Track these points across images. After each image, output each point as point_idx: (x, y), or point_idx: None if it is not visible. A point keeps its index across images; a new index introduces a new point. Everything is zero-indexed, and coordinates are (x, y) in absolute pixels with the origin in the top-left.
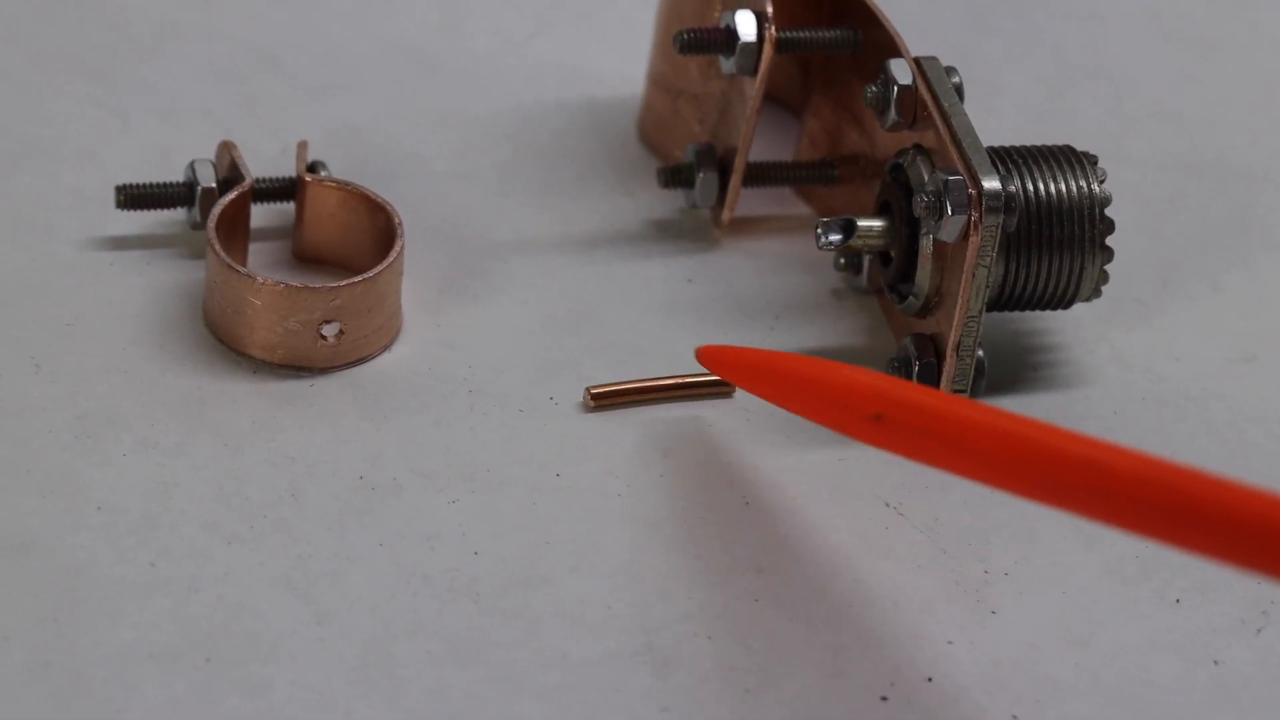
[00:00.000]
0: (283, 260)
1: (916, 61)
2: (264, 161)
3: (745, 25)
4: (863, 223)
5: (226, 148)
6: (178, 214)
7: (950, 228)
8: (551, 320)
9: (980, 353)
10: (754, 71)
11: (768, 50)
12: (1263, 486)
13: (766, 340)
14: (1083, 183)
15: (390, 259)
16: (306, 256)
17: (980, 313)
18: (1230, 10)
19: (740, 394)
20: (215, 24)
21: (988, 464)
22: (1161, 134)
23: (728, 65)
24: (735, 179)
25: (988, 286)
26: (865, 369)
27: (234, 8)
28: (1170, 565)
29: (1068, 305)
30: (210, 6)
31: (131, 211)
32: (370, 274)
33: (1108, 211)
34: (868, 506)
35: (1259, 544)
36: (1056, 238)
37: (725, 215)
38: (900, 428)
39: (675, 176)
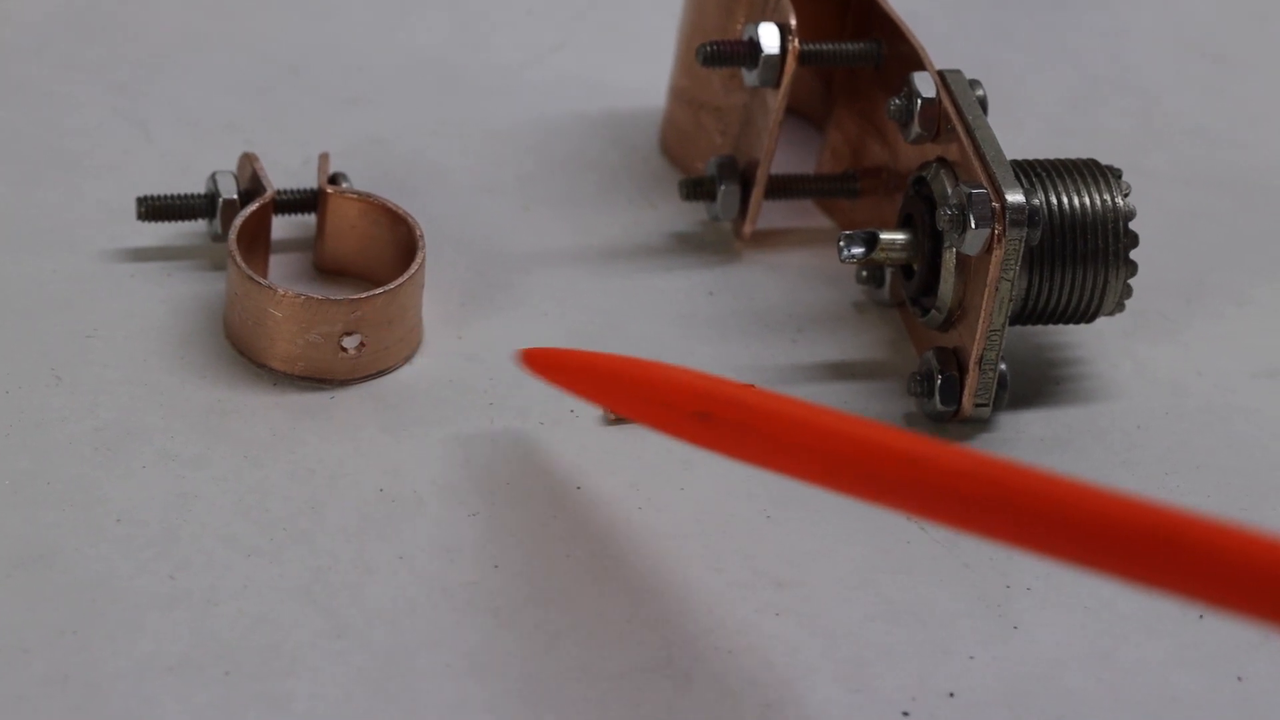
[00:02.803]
0: (304, 272)
1: (940, 74)
2: (285, 173)
3: (768, 38)
4: (885, 236)
5: (248, 159)
6: (199, 226)
7: (973, 241)
8: (572, 332)
9: (1003, 367)
10: (776, 84)
11: (790, 63)
12: (1088, 481)
13: (789, 354)
14: (1107, 196)
15: (411, 271)
16: (327, 268)
17: (1003, 326)
18: (1256, 24)
19: None
20: (237, 36)
21: (814, 462)
22: (1187, 148)
23: (750, 78)
24: (757, 191)
25: (1011, 300)
26: (693, 370)
27: (256, 20)
28: None
29: (1091, 319)
30: (233, 19)
31: (153, 223)
32: (391, 286)
33: (1132, 225)
34: (889, 520)
35: (1089, 540)
36: (1080, 251)
37: (747, 228)
38: (724, 425)
39: (697, 189)
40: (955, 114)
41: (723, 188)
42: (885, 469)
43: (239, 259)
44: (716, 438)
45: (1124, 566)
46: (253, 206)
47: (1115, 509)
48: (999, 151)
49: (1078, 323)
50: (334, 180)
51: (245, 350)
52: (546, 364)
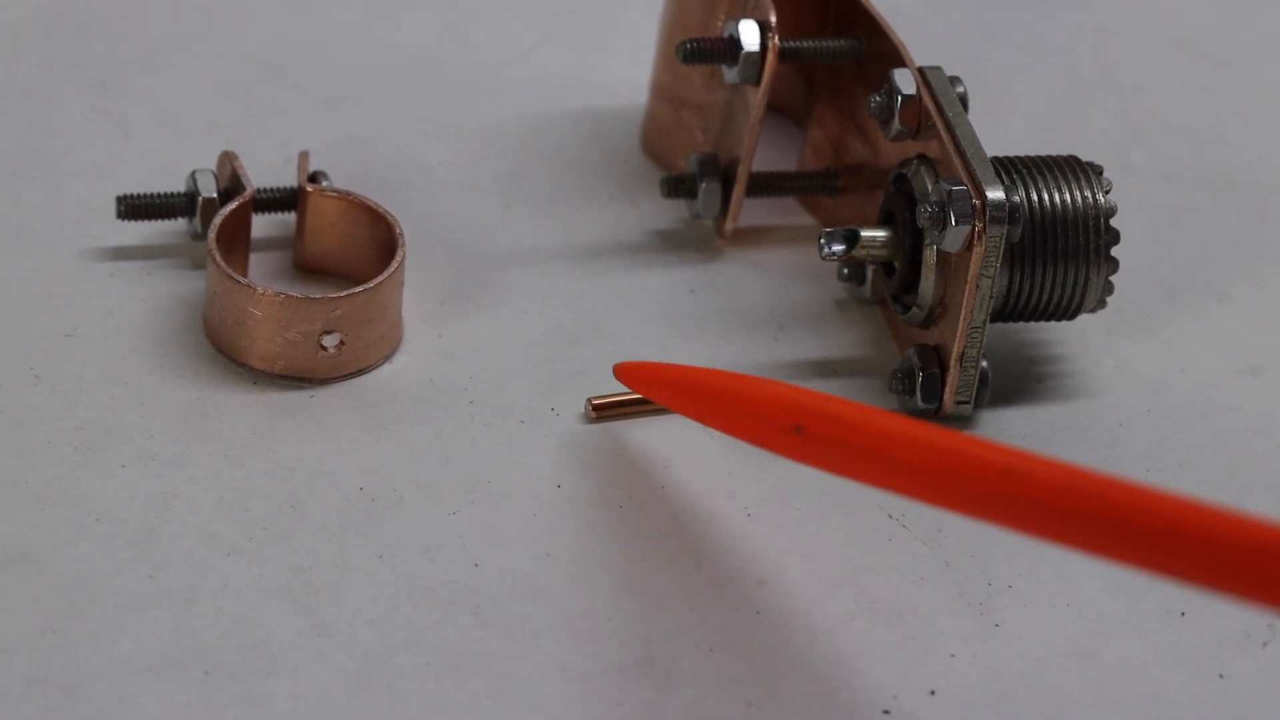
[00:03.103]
0: (284, 271)
1: (920, 71)
2: (266, 172)
3: (749, 35)
4: (866, 233)
5: (228, 158)
6: (179, 224)
7: (954, 238)
8: (553, 331)
9: (984, 364)
10: (757, 81)
11: (771, 60)
12: (1190, 496)
13: (771, 351)
14: (1088, 193)
15: (391, 269)
16: (307, 267)
17: (984, 324)
18: (1239, 22)
19: None
20: (218, 34)
21: (909, 476)
22: (1169, 145)
23: (731, 75)
24: (738, 189)
25: (991, 297)
26: (784, 383)
27: (236, 19)
28: None
29: (1072, 316)
30: (213, 17)
31: (132, 222)
32: (371, 284)
33: (1113, 222)
34: (871, 518)
35: (1185, 552)
36: (1061, 248)
37: (728, 225)
38: (819, 440)
39: (678, 186)
40: (936, 111)
41: (704, 185)
42: (980, 483)
43: (218, 258)
44: (811, 452)
45: (1229, 582)
46: (232, 205)
47: (1218, 523)
48: (979, 148)
49: (1059, 320)
50: (314, 179)
51: (225, 349)
52: (640, 378)
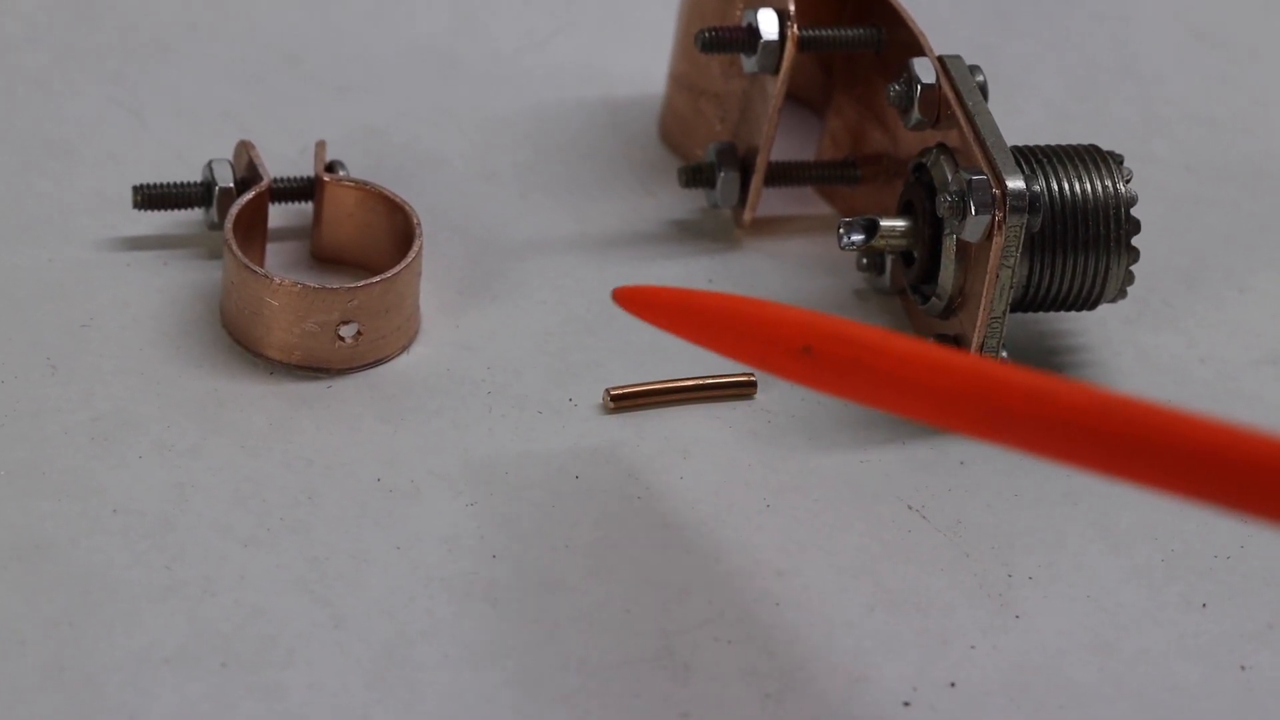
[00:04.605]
0: (300, 260)
1: (940, 60)
2: (282, 161)
3: (767, 23)
4: (885, 223)
5: (244, 147)
6: (195, 214)
7: (974, 228)
8: (571, 321)
9: (1004, 354)
10: (776, 70)
11: (790, 49)
12: (1214, 416)
13: None
14: (1108, 182)
15: (408, 259)
16: (324, 257)
17: (1004, 314)
18: (1260, 11)
19: (761, 395)
20: (234, 24)
21: (924, 396)
22: (1189, 134)
23: (749, 64)
24: (757, 178)
25: (1011, 287)
26: (790, 305)
27: (252, 8)
28: (1197, 570)
29: (1093, 306)
30: (228, 6)
31: (149, 212)
32: (388, 274)
33: (1133, 212)
34: (889, 509)
35: (1211, 473)
36: (1081, 238)
37: (747, 215)
38: (830, 360)
39: (696, 176)
40: (955, 100)
41: (722, 175)
42: (1003, 403)
43: (235, 248)
44: (820, 374)
45: (1258, 503)
46: (249, 195)
47: (1246, 443)
48: (999, 137)
49: (1079, 310)
50: (331, 168)
51: (242, 339)
52: (642, 302)
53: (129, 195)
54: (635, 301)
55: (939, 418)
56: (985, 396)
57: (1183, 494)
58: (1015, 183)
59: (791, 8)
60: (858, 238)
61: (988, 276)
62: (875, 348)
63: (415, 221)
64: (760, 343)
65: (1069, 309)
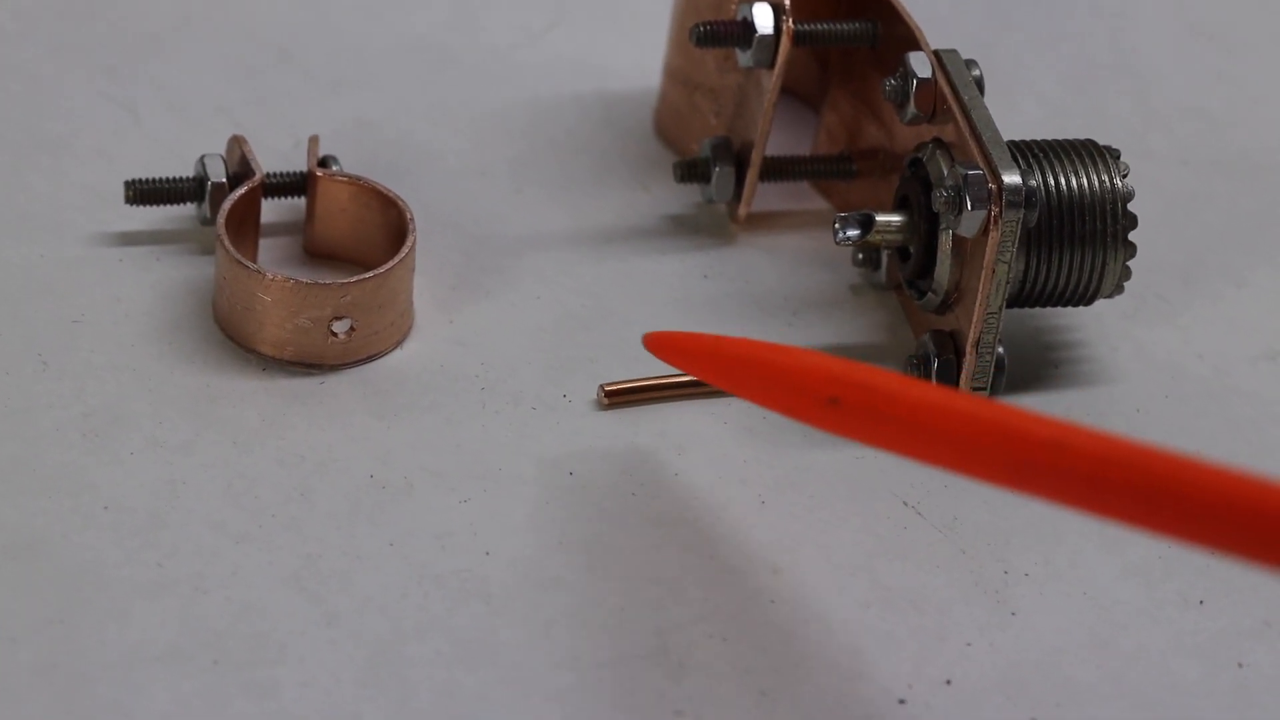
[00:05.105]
0: (293, 256)
1: (936, 54)
2: (275, 156)
3: (762, 18)
4: (881, 218)
5: (237, 142)
6: (187, 209)
7: (970, 223)
8: (565, 317)
9: (1000, 350)
10: (771, 64)
11: (785, 43)
12: (1230, 465)
13: (785, 337)
14: (1105, 177)
15: (402, 255)
16: (317, 252)
17: (1000, 309)
18: (1256, 6)
19: None
20: (227, 18)
21: (948, 446)
22: (1186, 129)
23: (745, 58)
24: (752, 173)
25: (1008, 282)
26: (818, 352)
27: (245, 2)
28: (1194, 567)
29: (1089, 302)
30: (221, 1)
31: (141, 207)
32: (382, 270)
33: (1130, 207)
34: (885, 505)
35: (1235, 525)
36: (1078, 233)
37: (742, 210)
38: (856, 411)
39: (691, 171)
40: (951, 94)
41: (717, 170)
42: (1023, 455)
43: (228, 243)
44: (848, 425)
45: (1276, 554)
46: (241, 190)
47: (1265, 494)
48: (995, 132)
49: (1076, 305)
50: (324, 163)
51: (234, 335)
52: (672, 348)
53: (121, 190)
54: (665, 347)
55: (965, 468)
56: (1006, 448)
57: (1206, 545)
58: (1011, 178)
59: (787, 2)
60: (853, 233)
61: (984, 272)
62: (901, 399)
63: (409, 217)
64: (788, 392)
65: (1065, 304)
